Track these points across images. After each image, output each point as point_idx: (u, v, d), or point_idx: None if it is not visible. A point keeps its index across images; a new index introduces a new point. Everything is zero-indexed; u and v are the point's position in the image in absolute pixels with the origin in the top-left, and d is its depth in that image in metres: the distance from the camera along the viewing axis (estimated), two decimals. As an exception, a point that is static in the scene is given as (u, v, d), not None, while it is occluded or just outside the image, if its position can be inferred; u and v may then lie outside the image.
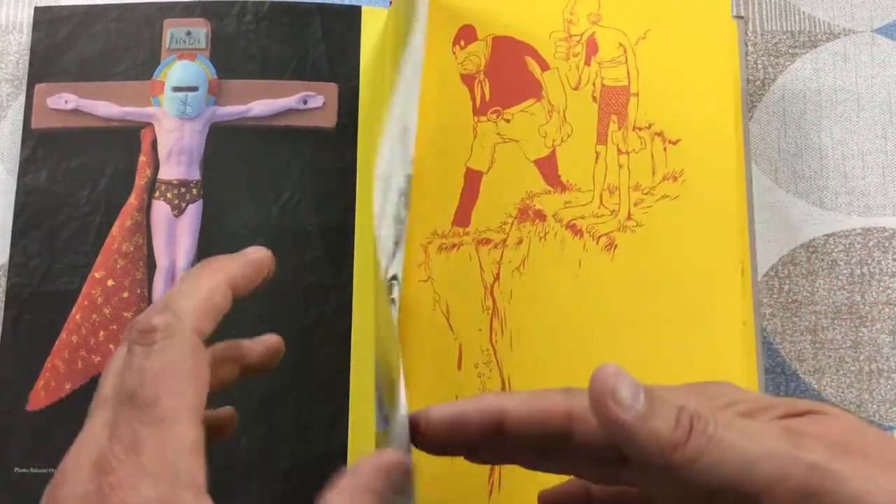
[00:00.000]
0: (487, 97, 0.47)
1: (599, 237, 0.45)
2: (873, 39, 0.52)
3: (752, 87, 0.52)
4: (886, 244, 0.50)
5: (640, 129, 0.46)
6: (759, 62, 0.52)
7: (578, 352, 0.44)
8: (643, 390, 0.23)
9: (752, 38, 0.52)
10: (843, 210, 0.50)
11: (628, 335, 0.44)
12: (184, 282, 0.29)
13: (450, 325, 0.45)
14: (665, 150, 0.45)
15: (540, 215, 0.45)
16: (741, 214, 0.45)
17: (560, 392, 0.28)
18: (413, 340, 0.45)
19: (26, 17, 0.51)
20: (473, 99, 0.47)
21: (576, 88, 0.47)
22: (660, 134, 0.45)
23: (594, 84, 0.46)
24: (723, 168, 0.45)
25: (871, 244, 0.50)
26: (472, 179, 0.46)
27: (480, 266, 0.45)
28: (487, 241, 0.45)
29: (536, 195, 0.45)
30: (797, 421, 0.24)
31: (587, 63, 0.47)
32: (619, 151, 0.46)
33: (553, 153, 0.46)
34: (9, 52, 0.51)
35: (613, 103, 0.46)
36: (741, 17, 0.52)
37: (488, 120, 0.47)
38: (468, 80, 0.47)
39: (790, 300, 0.49)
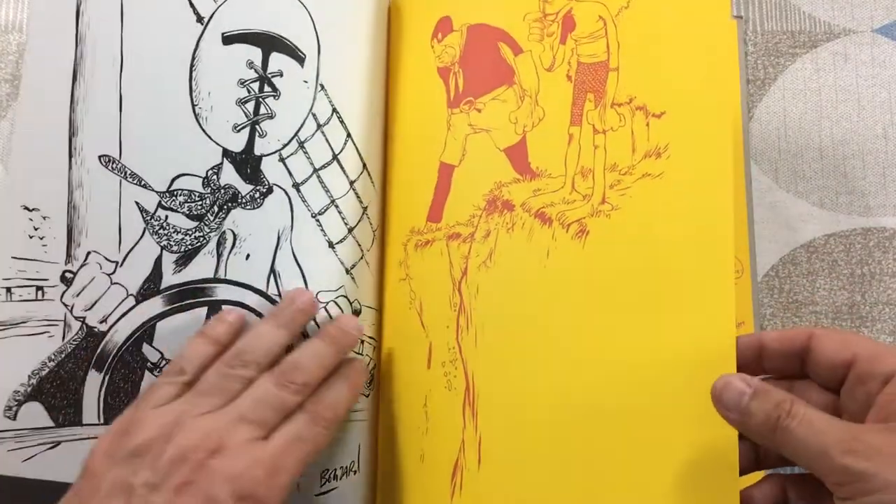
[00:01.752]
0: (461, 88, 0.45)
1: (570, 224, 0.41)
2: (873, 39, 0.52)
3: (752, 87, 0.52)
4: (886, 244, 0.50)
5: (620, 105, 0.42)
6: (759, 62, 0.52)
7: (544, 346, 0.41)
8: (748, 394, 0.33)
9: (752, 38, 0.52)
10: (843, 210, 0.50)
11: (599, 328, 0.40)
12: None
13: (422, 323, 0.43)
14: (648, 124, 0.41)
15: (508, 205, 0.43)
16: (738, 190, 0.42)
17: None
18: (391, 340, 0.44)
19: (26, 17, 0.51)
20: (448, 91, 0.45)
21: (549, 69, 0.44)
22: (642, 108, 0.42)
23: (569, 63, 0.43)
24: (716, 139, 0.40)
25: (871, 244, 0.50)
26: (445, 173, 0.44)
27: (450, 262, 0.43)
28: (457, 235, 0.43)
29: (505, 185, 0.43)
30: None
31: (562, 41, 0.44)
32: (595, 131, 0.42)
33: (523, 139, 0.43)
34: (9, 51, 0.51)
35: (590, 80, 0.43)
36: (741, 17, 0.52)
37: (461, 111, 0.45)
38: (444, 72, 0.46)
39: (790, 300, 0.49)
